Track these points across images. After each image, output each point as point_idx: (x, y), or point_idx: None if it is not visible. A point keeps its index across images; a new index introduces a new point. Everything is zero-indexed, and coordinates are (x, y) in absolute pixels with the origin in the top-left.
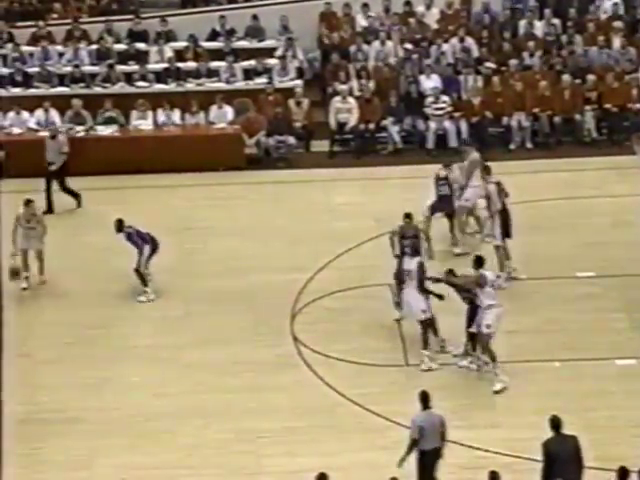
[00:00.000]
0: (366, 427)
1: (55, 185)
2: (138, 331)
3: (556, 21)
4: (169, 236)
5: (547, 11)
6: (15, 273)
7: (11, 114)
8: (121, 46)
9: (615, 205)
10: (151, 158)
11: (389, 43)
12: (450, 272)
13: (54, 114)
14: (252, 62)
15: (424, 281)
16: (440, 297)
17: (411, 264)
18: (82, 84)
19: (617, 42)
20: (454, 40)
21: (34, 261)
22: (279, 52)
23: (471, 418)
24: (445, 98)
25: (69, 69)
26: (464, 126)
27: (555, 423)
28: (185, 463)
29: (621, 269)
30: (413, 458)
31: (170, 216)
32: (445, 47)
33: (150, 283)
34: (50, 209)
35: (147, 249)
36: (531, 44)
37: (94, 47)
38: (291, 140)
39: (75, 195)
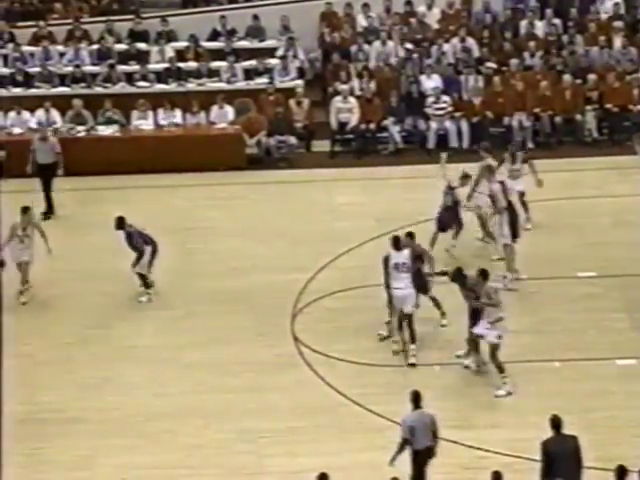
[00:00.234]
0: (367, 427)
1: (42, 185)
2: (139, 331)
3: (557, 21)
4: (170, 236)
5: (548, 11)
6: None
7: (12, 114)
8: (122, 46)
9: (616, 205)
10: (152, 158)
11: (390, 43)
12: (458, 270)
13: (55, 114)
14: (253, 62)
15: (417, 275)
16: (444, 273)
17: (400, 257)
18: (83, 84)
19: (618, 42)
20: (455, 40)
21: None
22: (280, 52)
23: (472, 418)
24: (446, 98)
25: (70, 69)
26: (465, 126)
27: (555, 423)
28: (185, 463)
29: (622, 269)
30: (405, 457)
31: (171, 216)
32: (446, 47)
33: (152, 285)
34: (51, 210)
35: (148, 251)
36: (532, 44)
37: (95, 47)
38: (292, 140)
39: (49, 201)
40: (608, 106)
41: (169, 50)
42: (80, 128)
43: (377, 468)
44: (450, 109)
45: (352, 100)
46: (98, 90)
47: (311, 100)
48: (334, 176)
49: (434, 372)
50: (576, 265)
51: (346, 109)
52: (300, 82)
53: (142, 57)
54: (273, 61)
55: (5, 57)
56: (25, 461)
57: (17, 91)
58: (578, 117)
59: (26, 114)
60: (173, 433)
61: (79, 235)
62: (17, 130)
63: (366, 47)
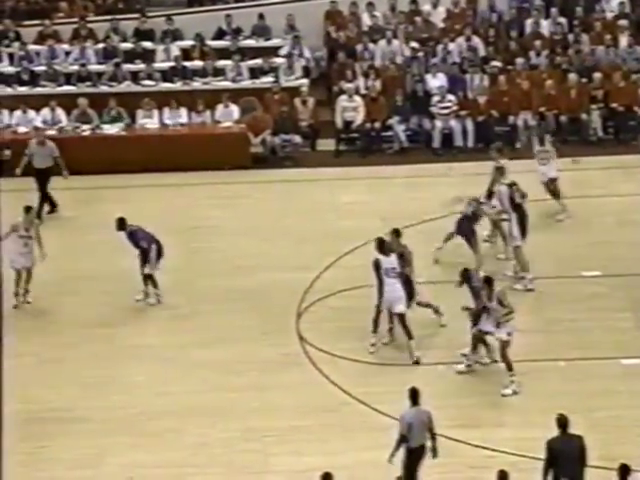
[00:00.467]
0: (372, 426)
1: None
2: (143, 330)
3: (562, 20)
4: (175, 235)
5: (553, 10)
6: None
7: (17, 113)
8: (127, 45)
9: (621, 204)
10: (157, 157)
11: (395, 42)
12: (466, 271)
13: (60, 113)
14: (258, 61)
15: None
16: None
17: (389, 263)
18: (88, 83)
19: (624, 41)
20: (460, 39)
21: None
22: (285, 51)
23: (477, 417)
24: (451, 97)
25: (75, 68)
26: (470, 125)
27: (562, 422)
28: (191, 462)
29: (627, 268)
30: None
31: (176, 215)
32: (451, 46)
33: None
34: (53, 206)
35: (154, 249)
36: (537, 43)
37: (100, 46)
38: (297, 139)
39: (42, 206)
40: (613, 105)
41: (174, 49)
42: (85, 127)
43: (381, 467)
44: (455, 108)
45: (357, 99)
46: (103, 89)
47: (316, 99)
48: (339, 175)
49: (438, 371)
50: (581, 264)
51: (351, 108)
52: (305, 81)
53: (148, 56)
54: (278, 60)
55: (11, 56)
56: (30, 459)
57: (23, 90)
58: (583, 116)
59: (32, 113)
60: (178, 432)
61: (83, 233)
62: (22, 129)
63: (371, 46)
